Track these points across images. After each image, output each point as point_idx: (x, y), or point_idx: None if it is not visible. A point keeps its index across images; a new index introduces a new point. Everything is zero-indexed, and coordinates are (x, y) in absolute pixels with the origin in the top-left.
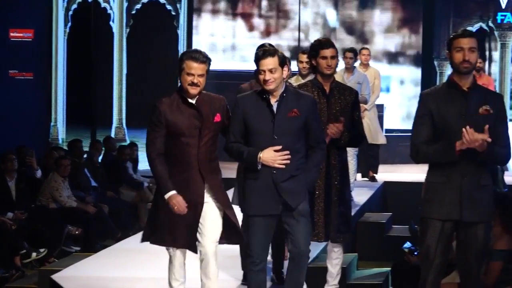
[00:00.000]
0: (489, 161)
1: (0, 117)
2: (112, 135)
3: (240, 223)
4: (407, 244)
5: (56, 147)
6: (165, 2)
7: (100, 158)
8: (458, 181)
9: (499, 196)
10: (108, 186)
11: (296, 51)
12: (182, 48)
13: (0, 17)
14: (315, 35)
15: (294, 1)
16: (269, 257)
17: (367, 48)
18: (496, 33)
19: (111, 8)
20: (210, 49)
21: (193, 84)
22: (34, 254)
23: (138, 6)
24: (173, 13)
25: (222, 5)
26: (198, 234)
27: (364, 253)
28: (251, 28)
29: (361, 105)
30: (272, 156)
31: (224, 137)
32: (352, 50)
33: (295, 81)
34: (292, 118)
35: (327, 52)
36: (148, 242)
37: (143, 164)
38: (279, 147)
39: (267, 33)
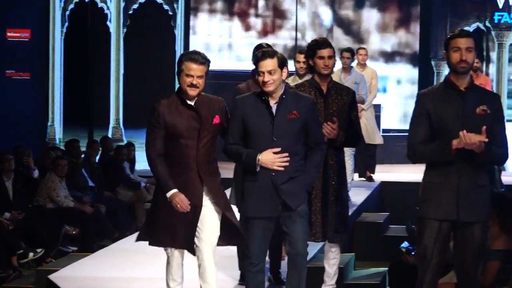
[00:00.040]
0: (486, 162)
1: None
2: (109, 135)
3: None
4: (404, 244)
5: (53, 147)
6: (162, 2)
7: (97, 158)
8: (455, 181)
9: (496, 196)
10: (105, 186)
11: (293, 51)
12: (179, 48)
13: None
14: (312, 35)
15: (291, 1)
16: (266, 257)
17: (364, 48)
18: (493, 33)
19: (108, 8)
20: (207, 49)
21: (192, 85)
22: (31, 254)
23: (135, 6)
24: (170, 13)
25: (219, 5)
26: (196, 239)
27: (361, 253)
28: (248, 28)
29: (358, 105)
30: (271, 158)
31: (223, 139)
32: (349, 50)
33: (292, 81)
34: (292, 120)
35: (324, 52)
36: (145, 242)
37: (140, 164)
38: (278, 149)
39: (264, 33)
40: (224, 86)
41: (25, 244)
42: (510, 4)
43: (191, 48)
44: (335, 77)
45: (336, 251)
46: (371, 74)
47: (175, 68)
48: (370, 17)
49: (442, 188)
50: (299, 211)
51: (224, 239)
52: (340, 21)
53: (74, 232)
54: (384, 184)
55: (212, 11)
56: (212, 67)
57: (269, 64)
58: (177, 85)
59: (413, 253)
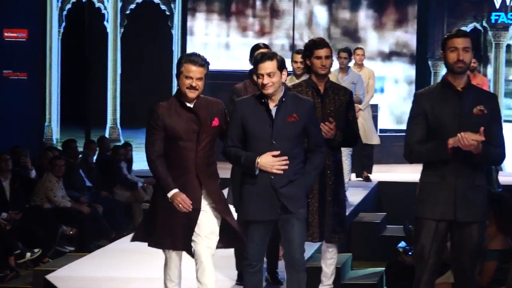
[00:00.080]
0: (484, 162)
1: None
2: (106, 135)
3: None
4: (402, 244)
5: (51, 147)
6: (159, 2)
7: (94, 158)
8: (452, 181)
9: (493, 196)
10: (102, 186)
11: (291, 51)
12: (176, 48)
13: None
14: (309, 35)
15: (288, 1)
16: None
17: (361, 48)
18: (490, 33)
19: (105, 8)
20: (204, 49)
21: (191, 87)
22: (28, 254)
23: (133, 6)
24: (168, 13)
25: (216, 5)
26: (194, 241)
27: (358, 253)
28: (245, 28)
29: (355, 105)
30: (270, 161)
31: (222, 141)
32: (346, 50)
33: (289, 81)
34: (291, 123)
35: (322, 52)
36: (141, 242)
37: (138, 164)
38: (278, 152)
39: (261, 33)
40: (221, 86)
41: (22, 244)
42: (507, 4)
43: (188, 48)
44: (332, 77)
45: (334, 251)
46: (368, 74)
47: (172, 68)
48: (367, 17)
49: (439, 188)
50: (297, 215)
51: (223, 242)
52: (337, 21)
53: (71, 232)
54: (381, 184)
55: (209, 11)
56: (209, 67)
57: (268, 66)
58: (174, 85)
59: (410, 253)
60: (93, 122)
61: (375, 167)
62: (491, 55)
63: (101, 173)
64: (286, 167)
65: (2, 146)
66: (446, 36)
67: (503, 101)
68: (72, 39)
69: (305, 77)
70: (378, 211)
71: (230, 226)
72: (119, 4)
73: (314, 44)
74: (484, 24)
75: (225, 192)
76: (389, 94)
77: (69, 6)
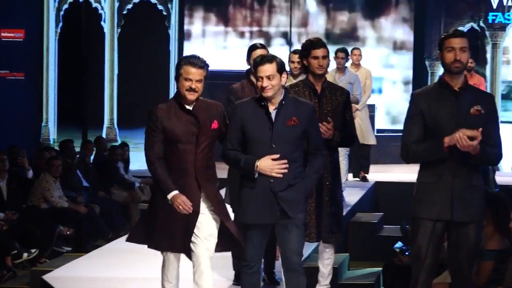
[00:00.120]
0: (481, 162)
1: None
2: (103, 135)
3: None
4: (399, 244)
5: (48, 147)
6: (156, 2)
7: (91, 158)
8: (449, 181)
9: (490, 196)
10: (100, 186)
11: (288, 51)
12: (173, 48)
13: None
14: (306, 35)
15: (286, 1)
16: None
17: (358, 48)
18: (487, 33)
19: (102, 8)
20: (201, 49)
21: (191, 89)
22: (25, 255)
23: (130, 6)
24: (165, 13)
25: (213, 5)
26: (192, 244)
27: (355, 253)
28: (242, 27)
29: (352, 105)
30: (269, 165)
31: (221, 144)
32: (343, 50)
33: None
34: (291, 127)
35: (319, 52)
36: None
37: (135, 164)
38: (277, 156)
39: (258, 33)
40: (218, 87)
41: (19, 244)
42: (504, 4)
43: (185, 48)
44: (329, 77)
45: (331, 251)
46: (366, 74)
47: (169, 68)
48: (365, 17)
49: (436, 188)
50: (295, 220)
51: (222, 245)
52: (334, 21)
53: (68, 232)
54: (378, 184)
55: (206, 11)
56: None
57: (267, 69)
58: (171, 85)
59: (407, 253)
60: (90, 122)
61: (372, 167)
62: (488, 55)
63: (98, 173)
64: (286, 170)
65: None
66: (443, 36)
67: (500, 102)
68: (69, 39)
69: (302, 77)
70: (375, 211)
71: (228, 231)
72: (116, 4)
73: (311, 44)
74: (481, 24)
75: (222, 192)
76: (386, 94)
77: (66, 6)
